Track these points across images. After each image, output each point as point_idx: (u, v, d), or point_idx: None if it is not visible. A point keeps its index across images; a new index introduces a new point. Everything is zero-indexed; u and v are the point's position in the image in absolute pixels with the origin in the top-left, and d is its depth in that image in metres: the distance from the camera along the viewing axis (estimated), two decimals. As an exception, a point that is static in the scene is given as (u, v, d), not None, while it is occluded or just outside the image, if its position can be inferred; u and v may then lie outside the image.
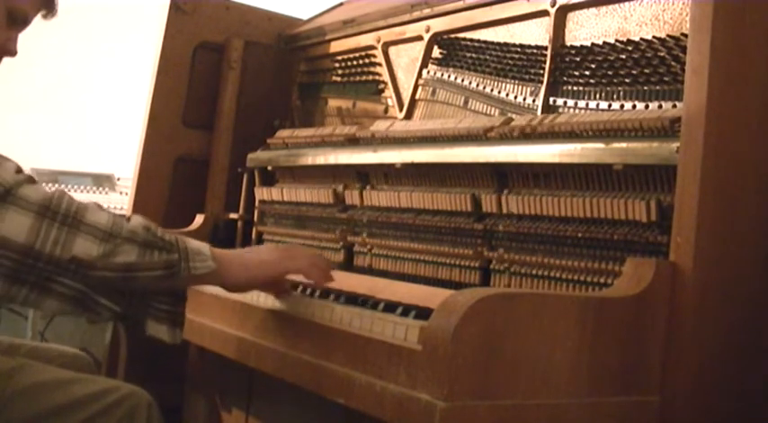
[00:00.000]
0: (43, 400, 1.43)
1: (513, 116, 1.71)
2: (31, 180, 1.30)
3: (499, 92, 1.83)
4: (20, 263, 1.25)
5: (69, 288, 1.30)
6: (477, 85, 1.89)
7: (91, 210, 1.30)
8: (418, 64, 2.06)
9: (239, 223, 2.42)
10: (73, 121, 3.87)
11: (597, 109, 1.59)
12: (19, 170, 1.31)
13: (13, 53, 1.52)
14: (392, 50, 2.19)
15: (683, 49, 1.37)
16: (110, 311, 1.36)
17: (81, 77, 3.89)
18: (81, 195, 3.24)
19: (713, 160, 1.23)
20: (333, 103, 2.37)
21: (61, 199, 1.29)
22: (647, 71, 1.51)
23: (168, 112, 2.48)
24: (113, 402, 1.43)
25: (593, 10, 1.67)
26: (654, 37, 1.52)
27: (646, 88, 1.51)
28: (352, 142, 2.03)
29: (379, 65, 2.20)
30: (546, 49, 1.73)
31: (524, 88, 1.78)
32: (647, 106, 1.49)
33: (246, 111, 2.54)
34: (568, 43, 1.70)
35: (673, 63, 1.46)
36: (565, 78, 1.69)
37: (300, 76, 2.52)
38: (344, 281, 1.70)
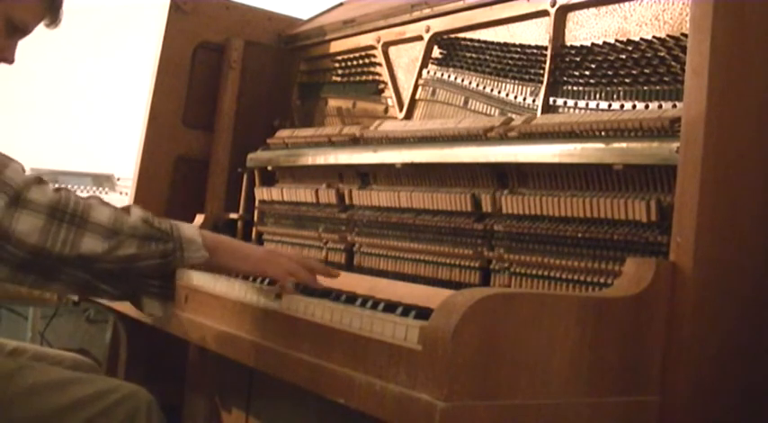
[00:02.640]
0: (45, 400, 1.43)
1: (513, 116, 1.71)
2: (38, 180, 1.36)
3: (499, 92, 1.83)
4: (30, 258, 1.33)
5: (73, 276, 1.39)
6: (477, 85, 1.89)
7: (95, 207, 1.37)
8: (418, 64, 2.06)
9: (239, 223, 2.42)
10: (73, 121, 3.87)
11: (597, 109, 1.59)
12: (24, 170, 1.37)
13: (10, 62, 1.56)
14: (392, 50, 2.19)
15: (683, 49, 1.37)
16: (109, 294, 1.45)
17: (81, 77, 3.89)
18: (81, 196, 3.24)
19: (713, 160, 1.23)
20: (333, 103, 2.37)
21: (68, 199, 1.35)
22: (647, 71, 1.51)
23: (168, 112, 2.48)
24: (114, 402, 1.44)
25: (593, 10, 1.67)
26: (654, 37, 1.52)
27: (646, 88, 1.51)
28: (353, 142, 2.03)
29: (379, 65, 2.20)
30: (546, 49, 1.73)
31: (524, 88, 1.78)
32: (647, 106, 1.49)
33: (246, 111, 2.54)
34: (568, 43, 1.70)
35: (673, 63, 1.46)
36: (565, 78, 1.69)
37: (300, 76, 2.52)
38: (344, 281, 1.70)
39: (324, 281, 1.66)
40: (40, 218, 1.31)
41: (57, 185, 1.42)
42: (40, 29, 1.59)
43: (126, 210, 1.41)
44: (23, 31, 1.54)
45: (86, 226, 1.34)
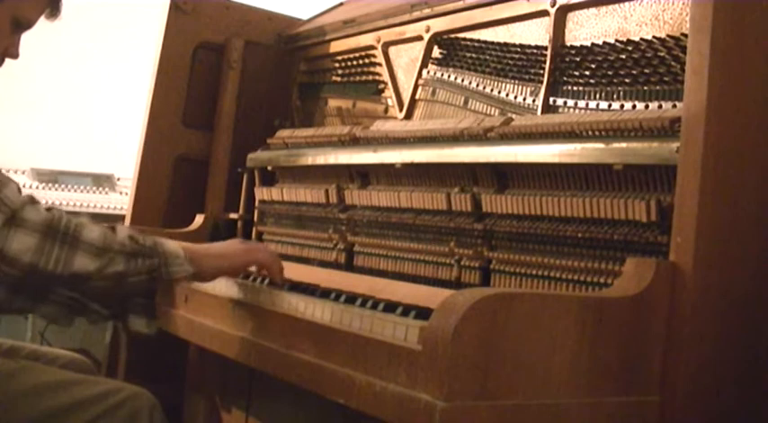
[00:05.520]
0: (46, 401, 1.43)
1: (513, 116, 1.71)
2: (32, 200, 1.38)
3: (499, 92, 1.83)
4: (24, 277, 1.34)
5: (63, 296, 1.43)
6: (477, 85, 1.89)
7: (86, 226, 1.39)
8: (418, 64, 2.06)
9: (239, 223, 2.42)
10: (73, 121, 3.87)
11: (597, 109, 1.59)
12: (20, 190, 1.39)
13: (15, 57, 1.57)
14: (392, 50, 2.19)
15: (683, 49, 1.37)
16: (98, 314, 1.49)
17: (81, 77, 3.88)
18: (81, 195, 3.24)
19: (713, 160, 1.23)
20: (333, 103, 2.37)
21: (60, 218, 1.37)
22: (647, 71, 1.51)
23: (168, 112, 2.48)
24: (116, 404, 1.44)
25: (593, 10, 1.67)
26: (654, 37, 1.52)
27: (646, 88, 1.51)
28: (353, 142, 2.03)
29: (379, 65, 2.20)
30: (546, 49, 1.73)
31: (524, 88, 1.78)
32: (647, 106, 1.49)
33: (246, 111, 2.54)
34: (568, 43, 1.70)
35: (673, 63, 1.46)
36: (565, 78, 1.69)
37: (300, 76, 2.52)
38: (344, 281, 1.70)
39: (324, 281, 1.67)
40: (34, 237, 1.33)
41: (48, 204, 1.44)
42: (40, 28, 1.59)
43: (112, 228, 1.44)
44: (27, 26, 1.55)
45: (78, 245, 1.36)
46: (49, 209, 1.39)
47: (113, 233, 1.42)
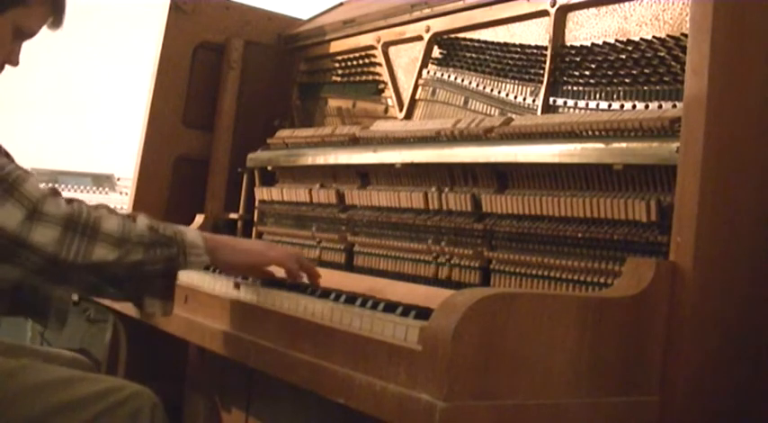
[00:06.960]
0: (47, 398, 1.43)
1: (513, 116, 1.71)
2: (53, 193, 1.43)
3: (499, 92, 1.83)
4: (45, 265, 1.39)
5: (82, 280, 1.45)
6: (477, 85, 1.89)
7: (105, 218, 1.44)
8: (418, 64, 2.06)
9: (239, 223, 2.42)
10: (73, 121, 3.87)
11: (597, 109, 1.59)
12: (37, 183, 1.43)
13: (15, 64, 1.60)
14: (392, 50, 2.19)
15: (683, 49, 1.37)
16: (113, 296, 1.52)
17: (81, 77, 3.89)
18: (81, 196, 3.24)
19: (713, 160, 1.23)
20: (333, 103, 2.37)
21: (81, 211, 1.42)
22: (647, 71, 1.51)
23: (168, 112, 2.48)
24: (117, 402, 1.44)
25: (593, 10, 1.67)
26: (654, 37, 1.52)
27: (646, 88, 1.51)
28: (353, 142, 2.03)
29: (379, 65, 2.20)
30: (546, 49, 1.73)
31: (524, 88, 1.78)
32: (647, 106, 1.49)
33: (246, 111, 2.54)
34: (568, 43, 1.71)
35: (673, 63, 1.46)
36: (565, 78, 1.69)
37: (300, 76, 2.52)
38: (344, 281, 1.70)
39: (324, 281, 1.66)
40: (56, 230, 1.38)
41: (69, 196, 1.48)
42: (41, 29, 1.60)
43: (132, 217, 1.48)
44: (29, 35, 1.58)
45: (98, 236, 1.41)
46: (69, 201, 1.43)
47: (133, 223, 1.46)
